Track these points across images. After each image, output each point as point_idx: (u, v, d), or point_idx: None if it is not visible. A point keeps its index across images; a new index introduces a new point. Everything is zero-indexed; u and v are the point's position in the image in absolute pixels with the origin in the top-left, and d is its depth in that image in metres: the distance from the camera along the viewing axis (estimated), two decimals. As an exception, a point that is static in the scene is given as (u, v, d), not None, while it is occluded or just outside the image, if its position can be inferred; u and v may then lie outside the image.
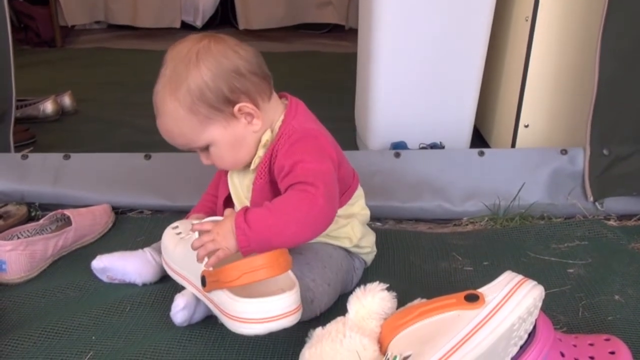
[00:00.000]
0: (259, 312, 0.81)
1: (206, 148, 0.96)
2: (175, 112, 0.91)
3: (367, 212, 1.08)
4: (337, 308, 0.91)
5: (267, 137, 0.96)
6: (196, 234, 0.92)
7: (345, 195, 1.02)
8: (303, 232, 0.88)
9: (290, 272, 0.86)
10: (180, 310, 0.92)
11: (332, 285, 0.95)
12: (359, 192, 1.07)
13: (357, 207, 1.05)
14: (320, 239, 0.99)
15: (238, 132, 0.94)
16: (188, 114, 0.91)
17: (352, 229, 1.03)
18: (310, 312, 0.92)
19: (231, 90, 0.91)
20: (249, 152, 0.96)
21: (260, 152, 0.96)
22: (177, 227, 1.03)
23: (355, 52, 1.75)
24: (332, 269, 0.97)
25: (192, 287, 0.92)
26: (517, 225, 1.29)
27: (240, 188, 1.02)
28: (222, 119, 0.92)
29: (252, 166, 0.97)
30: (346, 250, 1.03)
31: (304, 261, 0.94)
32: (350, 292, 0.86)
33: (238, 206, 1.02)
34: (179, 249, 0.96)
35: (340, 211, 1.00)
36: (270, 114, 0.96)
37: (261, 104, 0.94)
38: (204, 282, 0.86)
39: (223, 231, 0.87)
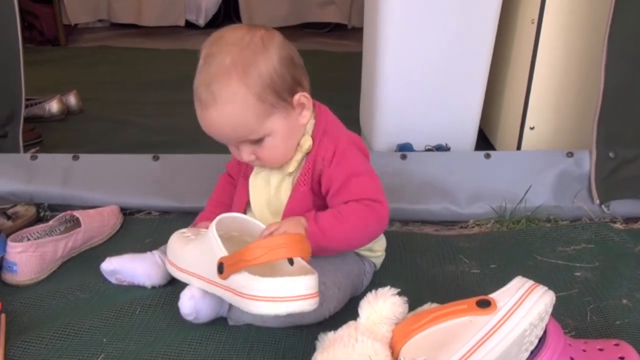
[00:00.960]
0: (281, 290, 0.82)
1: (259, 140, 0.93)
2: (243, 98, 0.87)
3: None
4: (348, 312, 0.91)
5: (307, 142, 0.96)
6: (207, 232, 0.92)
7: None
8: (363, 243, 0.98)
9: (306, 263, 0.88)
10: (188, 299, 0.92)
11: (342, 289, 0.96)
12: None
13: None
14: None
15: (293, 123, 0.94)
16: (257, 101, 0.88)
17: None
18: (319, 315, 0.93)
19: (293, 80, 0.91)
20: (294, 147, 0.96)
21: (298, 156, 0.96)
22: (184, 231, 1.03)
23: (357, 51, 1.75)
24: (344, 273, 0.97)
25: (202, 281, 0.92)
26: (523, 227, 1.29)
27: (267, 191, 1.00)
28: (283, 108, 0.91)
29: (291, 169, 0.97)
30: (357, 254, 1.03)
31: (316, 264, 0.94)
32: (361, 296, 0.87)
33: (256, 212, 1.01)
34: (189, 248, 0.96)
35: None
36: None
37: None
38: (220, 269, 0.87)
39: (293, 229, 0.90)
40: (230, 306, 0.94)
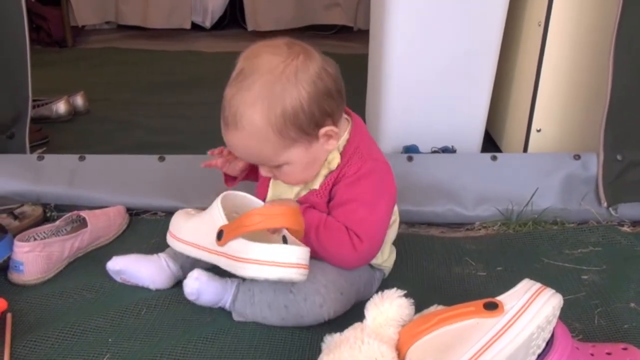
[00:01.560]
0: (274, 255, 0.86)
1: (276, 166, 0.94)
2: (263, 132, 0.87)
3: (396, 231, 1.09)
4: (354, 314, 0.91)
5: (335, 160, 0.95)
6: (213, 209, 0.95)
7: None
8: (331, 262, 0.96)
9: (299, 241, 0.91)
10: (194, 279, 0.95)
11: (345, 294, 0.95)
12: (395, 209, 1.05)
13: (392, 230, 1.07)
14: None
15: (315, 152, 0.93)
16: (277, 136, 0.88)
17: (381, 253, 1.03)
18: (318, 316, 0.93)
19: (321, 114, 0.89)
20: (317, 171, 0.96)
21: (324, 171, 0.96)
22: (189, 210, 1.07)
23: (363, 53, 1.75)
24: (348, 279, 0.97)
25: (200, 250, 0.96)
26: (529, 230, 1.29)
27: (288, 195, 1.01)
28: (306, 141, 0.90)
29: (316, 186, 0.97)
30: (369, 264, 1.03)
31: (319, 266, 0.94)
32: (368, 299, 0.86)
33: None
34: (192, 221, 1.00)
35: None
36: (341, 131, 0.95)
37: (339, 123, 0.94)
38: (220, 235, 0.91)
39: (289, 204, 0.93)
40: (234, 299, 0.96)
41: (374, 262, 1.03)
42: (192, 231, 0.98)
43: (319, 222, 0.95)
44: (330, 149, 0.94)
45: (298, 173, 0.95)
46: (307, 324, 0.94)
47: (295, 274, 0.86)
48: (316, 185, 0.97)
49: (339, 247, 0.94)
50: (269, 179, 1.02)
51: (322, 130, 0.91)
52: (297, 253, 0.87)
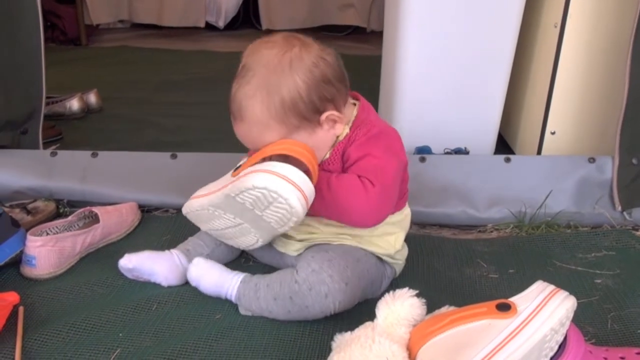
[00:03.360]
0: (278, 167, 0.88)
1: None
2: (265, 121, 0.92)
3: (409, 224, 1.09)
4: (365, 313, 0.90)
5: (344, 132, 0.98)
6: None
7: (403, 199, 1.05)
8: (348, 220, 0.95)
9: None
10: (194, 265, 1.01)
11: (350, 285, 0.94)
12: (407, 209, 1.08)
13: (406, 221, 1.07)
14: (357, 243, 1.00)
15: (321, 137, 0.96)
16: (278, 123, 0.92)
17: (395, 240, 1.03)
18: (324, 307, 0.92)
19: (321, 99, 0.93)
20: (324, 153, 0.98)
21: (332, 143, 0.98)
22: None
23: (376, 55, 1.74)
24: (354, 272, 0.96)
25: (211, 195, 0.99)
26: (542, 233, 1.28)
27: None
28: (308, 127, 0.94)
29: (327, 156, 0.99)
30: (378, 257, 1.02)
31: (326, 257, 0.94)
32: (377, 298, 0.86)
33: None
34: (211, 183, 1.04)
35: (394, 217, 1.03)
36: (347, 114, 0.98)
37: (342, 108, 0.96)
38: (236, 169, 0.97)
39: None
40: (240, 295, 0.97)
41: (385, 252, 1.02)
42: (211, 186, 1.02)
43: (331, 176, 0.95)
44: (337, 133, 0.97)
45: None
46: (312, 316, 0.93)
47: (293, 196, 0.87)
48: (327, 155, 0.99)
49: (351, 194, 0.92)
50: None
51: (324, 116, 0.94)
52: (302, 179, 0.88)
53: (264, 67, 0.92)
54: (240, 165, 0.97)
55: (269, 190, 0.87)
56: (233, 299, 0.99)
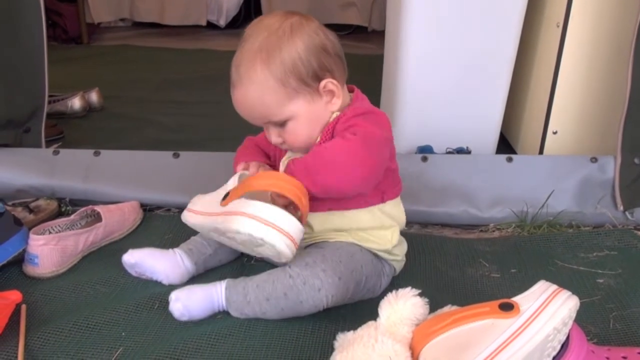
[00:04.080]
0: (266, 213, 0.86)
1: (282, 123, 0.97)
2: (265, 81, 0.92)
3: (403, 213, 1.08)
4: (367, 312, 0.90)
5: (335, 115, 0.98)
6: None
7: (397, 187, 1.05)
8: (334, 178, 0.90)
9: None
10: (173, 301, 0.95)
11: (343, 279, 0.93)
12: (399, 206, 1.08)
13: (399, 209, 1.07)
14: (352, 239, 1.00)
15: (318, 109, 0.97)
16: (278, 84, 0.92)
17: (392, 234, 1.03)
18: (317, 301, 0.91)
19: (320, 67, 0.94)
20: (320, 131, 0.98)
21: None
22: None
23: (378, 54, 1.74)
24: (348, 267, 0.95)
25: (203, 216, 0.99)
26: (544, 233, 1.28)
27: None
28: (307, 93, 0.94)
29: (317, 140, 0.99)
30: (375, 254, 1.02)
31: (320, 253, 0.95)
32: (380, 297, 0.86)
33: None
34: (207, 196, 1.02)
35: (389, 208, 1.02)
36: (343, 99, 0.99)
37: (340, 85, 0.97)
38: (225, 197, 0.95)
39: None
40: (228, 302, 0.96)
41: (382, 248, 1.02)
42: (206, 204, 1.01)
43: (317, 148, 0.93)
44: (333, 110, 0.98)
45: (302, 129, 0.97)
46: (305, 312, 0.93)
47: (282, 243, 0.86)
48: (318, 139, 0.98)
49: (333, 149, 0.91)
50: (278, 166, 1.04)
51: (323, 84, 0.94)
52: (291, 223, 0.87)
53: (265, 31, 0.93)
54: (228, 193, 0.95)
55: (254, 237, 0.87)
56: (225, 308, 0.97)
